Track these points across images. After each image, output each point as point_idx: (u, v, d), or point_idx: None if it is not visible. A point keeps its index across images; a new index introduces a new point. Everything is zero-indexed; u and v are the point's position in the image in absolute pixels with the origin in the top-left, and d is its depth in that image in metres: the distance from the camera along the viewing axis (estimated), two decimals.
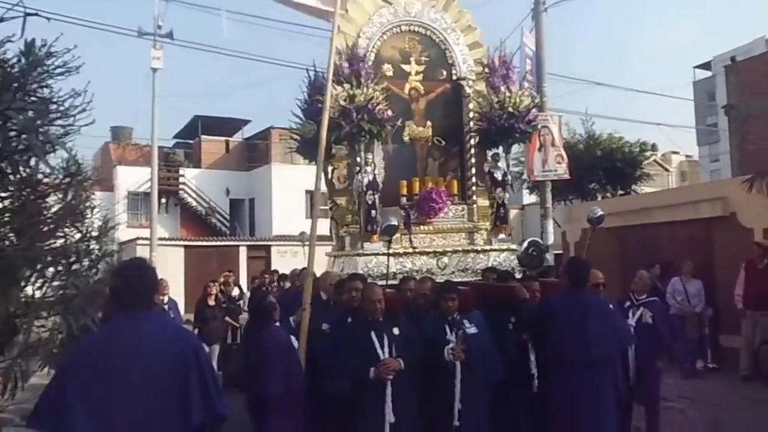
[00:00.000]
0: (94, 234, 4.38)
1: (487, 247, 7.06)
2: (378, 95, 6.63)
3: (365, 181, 6.67)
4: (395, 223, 6.05)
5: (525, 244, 6.91)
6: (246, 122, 35.76)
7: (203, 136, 34.64)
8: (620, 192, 18.15)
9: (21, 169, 3.79)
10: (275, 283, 10.91)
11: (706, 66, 41.08)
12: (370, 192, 6.66)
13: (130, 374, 2.74)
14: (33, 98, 3.69)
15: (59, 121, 3.81)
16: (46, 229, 4.02)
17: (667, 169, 40.00)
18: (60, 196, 4.10)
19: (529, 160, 13.12)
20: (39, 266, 3.98)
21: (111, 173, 30.84)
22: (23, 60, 3.65)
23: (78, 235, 4.22)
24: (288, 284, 9.64)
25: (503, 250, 7.03)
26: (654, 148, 39.25)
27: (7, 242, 3.87)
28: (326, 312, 5.92)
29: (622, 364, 5.69)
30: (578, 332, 4.91)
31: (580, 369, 4.88)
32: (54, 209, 4.12)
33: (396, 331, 4.74)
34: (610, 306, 5.51)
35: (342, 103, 6.57)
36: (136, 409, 2.71)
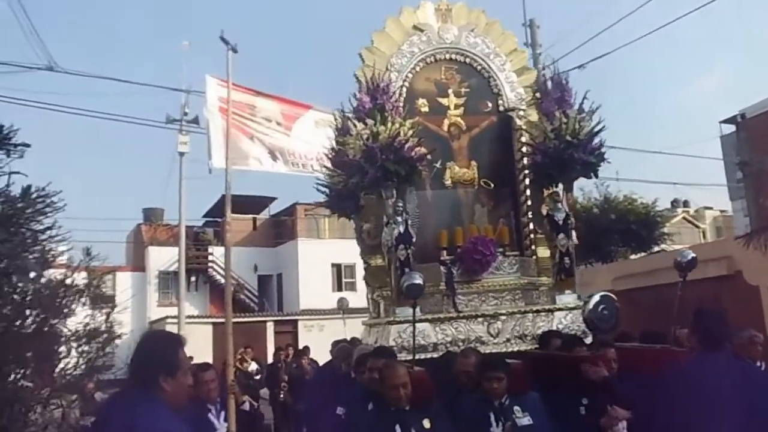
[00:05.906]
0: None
1: (550, 307, 5.75)
2: (405, 130, 5.56)
3: (395, 233, 5.49)
4: (419, 281, 4.83)
5: (594, 300, 5.58)
6: (272, 199, 36.17)
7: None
8: (641, 253, 17.68)
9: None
10: (289, 358, 10.66)
11: (731, 120, 39.67)
12: (401, 246, 5.47)
13: None
14: (22, 230, 4.10)
15: (37, 248, 4.20)
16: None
17: (698, 226, 38.52)
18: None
19: None
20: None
21: (143, 254, 32.23)
22: (20, 200, 4.10)
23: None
24: (305, 359, 9.72)
25: (571, 309, 5.70)
26: (686, 204, 37.97)
27: None
28: (343, 391, 4.79)
29: None
30: (737, 416, 3.35)
31: None
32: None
33: (427, 423, 3.77)
34: None
35: (364, 142, 5.53)
36: None
